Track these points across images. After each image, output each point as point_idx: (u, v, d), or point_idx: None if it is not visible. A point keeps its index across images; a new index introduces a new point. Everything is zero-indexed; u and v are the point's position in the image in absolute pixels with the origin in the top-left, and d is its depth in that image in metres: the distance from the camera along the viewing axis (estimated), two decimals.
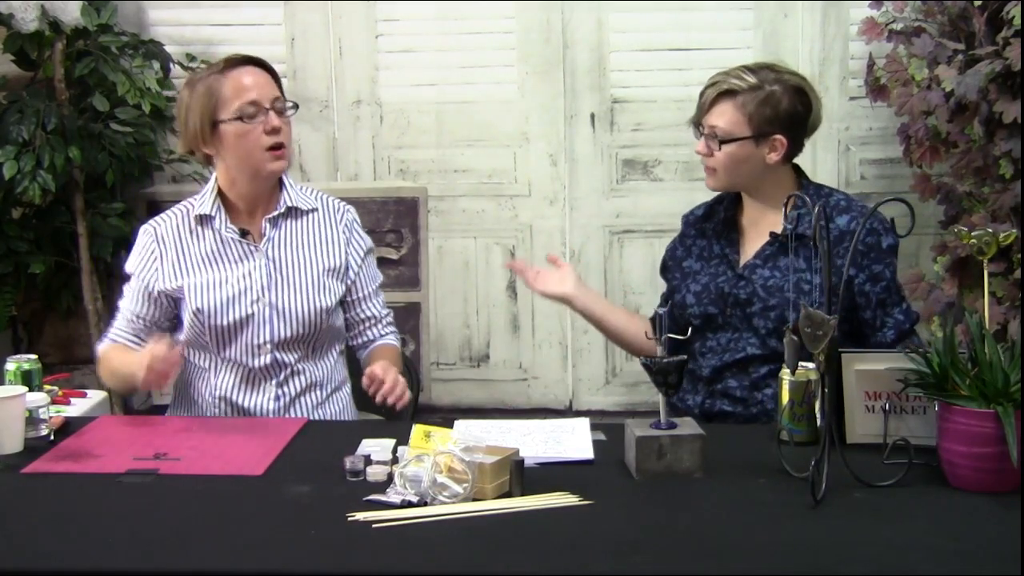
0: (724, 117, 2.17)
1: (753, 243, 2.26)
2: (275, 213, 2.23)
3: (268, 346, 2.20)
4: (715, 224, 2.32)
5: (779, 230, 2.20)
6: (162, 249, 2.24)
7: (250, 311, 2.19)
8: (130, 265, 2.27)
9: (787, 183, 2.24)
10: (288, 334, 2.20)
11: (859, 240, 2.15)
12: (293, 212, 2.26)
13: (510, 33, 4.00)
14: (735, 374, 2.20)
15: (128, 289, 2.27)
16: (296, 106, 2.25)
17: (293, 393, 2.23)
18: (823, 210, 1.66)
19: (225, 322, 2.18)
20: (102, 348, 2.27)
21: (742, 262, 2.25)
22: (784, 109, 2.17)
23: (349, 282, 2.28)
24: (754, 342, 2.18)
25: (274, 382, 2.22)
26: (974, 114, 3.23)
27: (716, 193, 2.34)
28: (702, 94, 2.22)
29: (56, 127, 3.52)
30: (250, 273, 2.20)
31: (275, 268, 2.22)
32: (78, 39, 3.69)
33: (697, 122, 2.24)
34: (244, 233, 2.23)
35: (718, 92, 2.18)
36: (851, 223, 2.16)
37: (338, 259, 2.26)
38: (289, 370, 2.22)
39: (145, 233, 2.26)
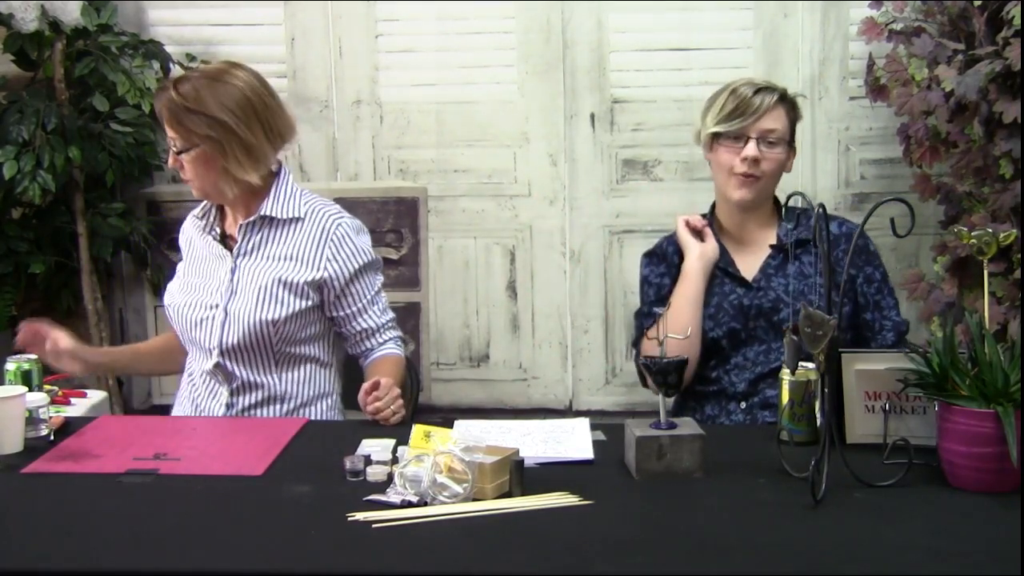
0: (780, 121, 2.22)
1: (746, 261, 2.27)
2: (248, 220, 2.22)
3: (215, 351, 2.19)
4: None
5: (773, 242, 2.25)
6: (186, 248, 2.36)
7: (205, 314, 2.21)
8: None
9: (772, 204, 2.31)
10: (234, 341, 2.17)
11: (854, 242, 2.13)
12: (268, 221, 2.22)
13: (510, 33, 4.00)
14: (771, 384, 2.17)
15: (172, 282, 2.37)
16: (187, 149, 2.13)
17: (245, 404, 2.21)
18: (825, 213, 1.66)
19: (184, 322, 2.23)
20: None
21: (749, 277, 2.25)
22: (800, 117, 2.29)
23: (338, 296, 2.22)
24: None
25: (226, 389, 2.21)
26: (974, 114, 3.23)
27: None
28: (750, 100, 2.19)
29: (56, 127, 3.52)
30: (219, 276, 2.23)
31: (238, 275, 2.21)
32: (78, 39, 3.69)
33: (742, 131, 2.19)
34: (224, 236, 2.26)
35: (778, 96, 2.22)
36: (841, 227, 2.24)
37: (301, 274, 2.18)
38: (240, 381, 2.20)
39: (183, 232, 2.38)
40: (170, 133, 2.15)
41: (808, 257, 2.22)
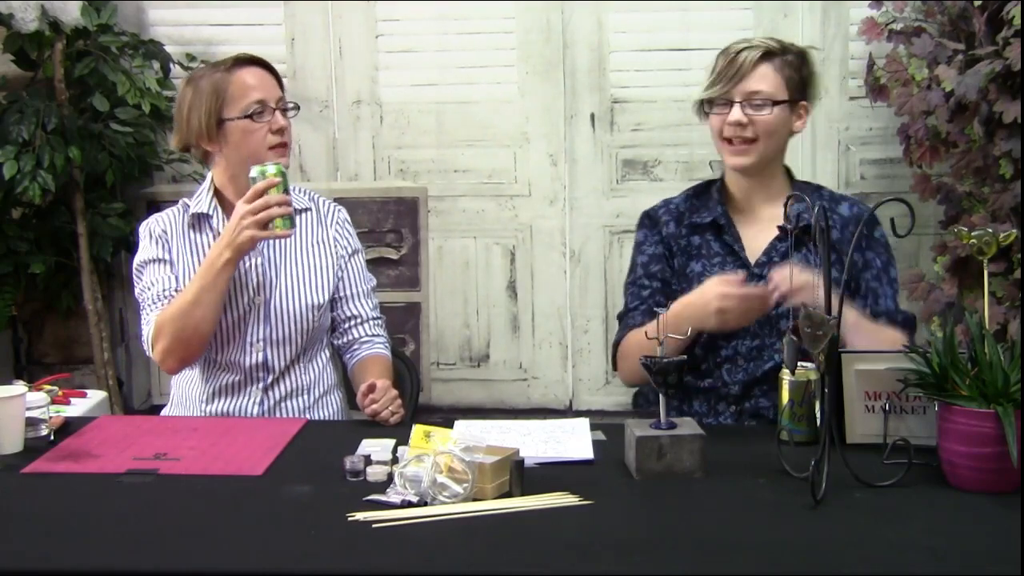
0: (767, 80, 2.09)
1: (754, 239, 2.17)
2: None
3: (261, 344, 2.21)
4: (711, 218, 2.19)
5: (781, 222, 2.11)
6: (168, 242, 2.24)
7: (245, 308, 2.20)
8: (144, 254, 2.24)
9: (782, 175, 2.20)
10: (282, 332, 2.21)
11: (861, 227, 1.96)
12: None
13: (510, 33, 4.00)
14: (766, 392, 2.10)
15: (151, 275, 2.22)
16: (297, 107, 2.26)
17: (277, 397, 2.24)
18: (823, 210, 1.65)
19: (221, 320, 2.19)
20: (156, 323, 2.16)
21: (751, 260, 2.15)
22: (806, 74, 2.15)
23: (336, 279, 2.28)
24: (780, 347, 2.07)
25: (260, 385, 2.23)
26: (974, 114, 3.23)
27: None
28: (733, 61, 2.09)
29: (56, 127, 3.52)
30: (246, 272, 2.21)
31: (270, 267, 2.23)
32: (78, 39, 3.69)
33: (724, 95, 2.10)
34: None
35: (760, 54, 2.09)
36: (852, 208, 2.16)
37: (329, 258, 2.28)
38: (277, 373, 2.23)
39: (148, 226, 2.27)
40: (281, 93, 2.23)
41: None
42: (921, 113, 3.38)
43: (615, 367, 2.25)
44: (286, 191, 2.09)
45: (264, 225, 2.06)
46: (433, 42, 4.01)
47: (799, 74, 2.14)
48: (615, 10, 3.95)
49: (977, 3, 3.26)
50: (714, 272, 2.14)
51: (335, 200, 2.37)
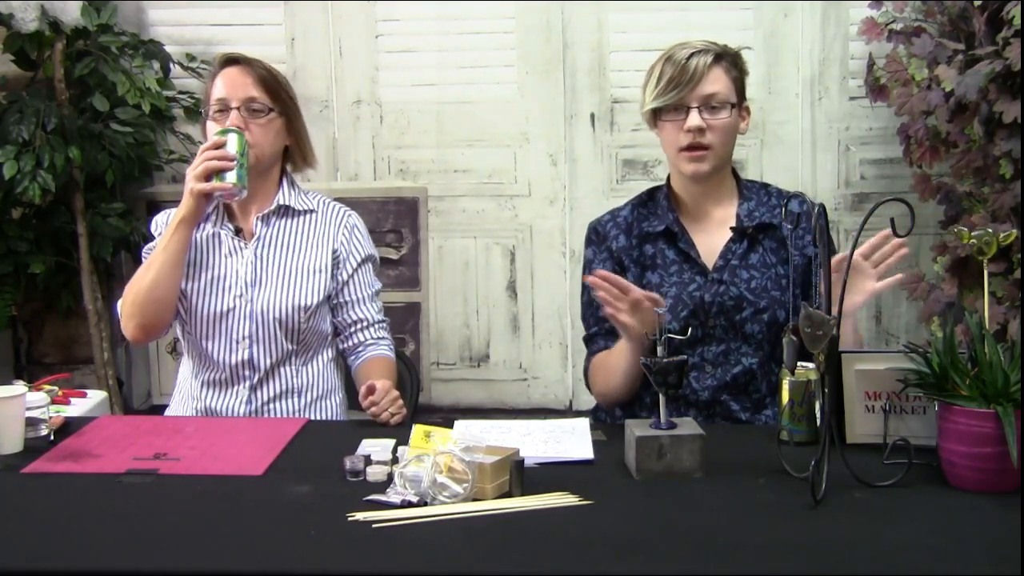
0: (720, 83, 2.07)
1: (707, 244, 2.13)
2: (267, 211, 2.25)
3: (246, 342, 2.21)
4: (663, 226, 2.15)
5: (733, 224, 2.13)
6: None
7: (231, 305, 2.21)
8: (149, 244, 2.29)
9: (730, 177, 2.18)
10: (266, 330, 2.21)
11: (817, 219, 1.87)
12: (286, 211, 2.27)
13: (510, 33, 4.00)
14: (736, 395, 2.09)
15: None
16: (271, 109, 2.21)
17: (265, 398, 2.23)
18: (819, 209, 1.66)
19: (206, 312, 2.21)
20: (124, 292, 2.22)
21: (709, 263, 2.12)
22: (746, 72, 2.15)
23: (341, 283, 2.27)
24: (748, 351, 2.09)
25: (247, 384, 2.22)
26: (974, 114, 3.23)
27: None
28: (685, 67, 2.07)
29: (56, 127, 3.53)
30: (236, 269, 2.22)
31: (260, 265, 2.23)
32: (78, 39, 3.69)
33: (681, 101, 2.08)
34: (238, 231, 2.25)
35: (712, 57, 2.07)
36: (803, 204, 2.11)
37: (325, 259, 2.25)
38: (264, 373, 2.22)
39: (157, 216, 2.33)
40: (254, 93, 2.21)
41: (771, 243, 2.13)
42: (921, 113, 3.38)
43: (590, 391, 2.29)
44: (240, 154, 2.12)
45: (206, 178, 2.10)
46: (433, 42, 4.01)
47: (741, 75, 2.13)
48: (615, 10, 3.95)
49: (977, 3, 3.26)
50: (672, 281, 2.13)
51: (335, 200, 2.36)
